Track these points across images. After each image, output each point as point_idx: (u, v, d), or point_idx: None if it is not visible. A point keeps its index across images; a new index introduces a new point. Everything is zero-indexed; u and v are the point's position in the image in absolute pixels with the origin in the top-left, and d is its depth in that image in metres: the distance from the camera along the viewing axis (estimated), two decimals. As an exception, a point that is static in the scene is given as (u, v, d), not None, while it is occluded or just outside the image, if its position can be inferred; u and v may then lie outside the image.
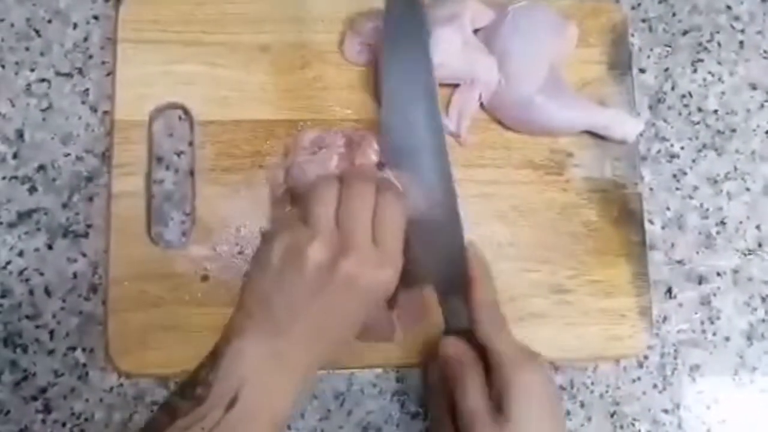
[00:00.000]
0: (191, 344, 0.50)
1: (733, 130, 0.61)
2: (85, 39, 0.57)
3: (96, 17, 0.58)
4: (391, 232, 0.43)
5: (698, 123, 0.61)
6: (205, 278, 0.53)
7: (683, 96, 0.61)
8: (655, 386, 0.56)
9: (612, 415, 0.55)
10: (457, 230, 0.48)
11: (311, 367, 0.43)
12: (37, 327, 0.53)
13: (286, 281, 0.41)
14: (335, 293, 0.41)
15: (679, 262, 0.58)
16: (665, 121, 0.60)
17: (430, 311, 0.51)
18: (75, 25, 0.57)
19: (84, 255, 0.54)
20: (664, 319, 0.57)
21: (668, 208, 0.59)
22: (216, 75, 0.55)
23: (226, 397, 0.39)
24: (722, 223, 0.59)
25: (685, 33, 0.62)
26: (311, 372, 0.44)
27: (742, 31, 0.62)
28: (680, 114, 0.61)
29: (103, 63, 0.57)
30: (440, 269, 0.49)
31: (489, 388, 0.45)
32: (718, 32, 0.62)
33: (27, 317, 0.53)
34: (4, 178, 0.55)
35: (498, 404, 0.44)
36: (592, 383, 0.56)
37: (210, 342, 0.51)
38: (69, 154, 0.55)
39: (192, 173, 0.55)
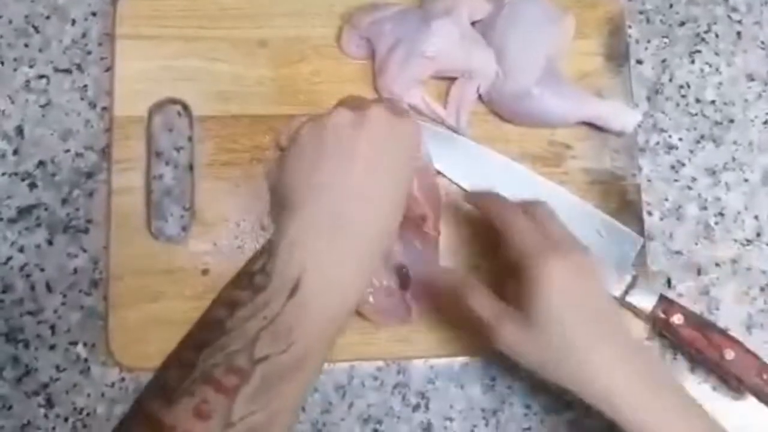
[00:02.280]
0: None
1: (731, 121, 0.61)
2: (84, 35, 0.57)
3: (94, 13, 0.58)
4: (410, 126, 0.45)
5: (696, 114, 0.61)
6: (205, 272, 0.53)
7: (681, 87, 0.61)
8: (654, 376, 0.56)
9: (612, 406, 0.55)
10: None
11: (372, 246, 0.41)
12: (39, 322, 0.53)
13: (325, 154, 0.41)
14: (372, 143, 0.41)
15: (678, 252, 0.58)
16: (663, 112, 0.60)
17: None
18: (73, 22, 0.58)
19: (84, 250, 0.54)
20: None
21: (667, 199, 0.59)
22: (214, 70, 0.56)
23: (287, 285, 0.38)
24: (721, 213, 0.59)
25: (682, 24, 0.62)
26: (372, 254, 0.42)
27: (740, 21, 0.62)
28: (678, 105, 0.61)
29: (102, 59, 0.57)
30: None
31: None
32: (715, 23, 0.62)
33: (28, 313, 0.53)
34: (4, 174, 0.55)
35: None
36: (592, 374, 0.56)
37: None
38: (68, 150, 0.55)
39: (191, 168, 0.55)
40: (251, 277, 0.39)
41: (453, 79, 0.56)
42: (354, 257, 0.40)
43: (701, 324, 0.53)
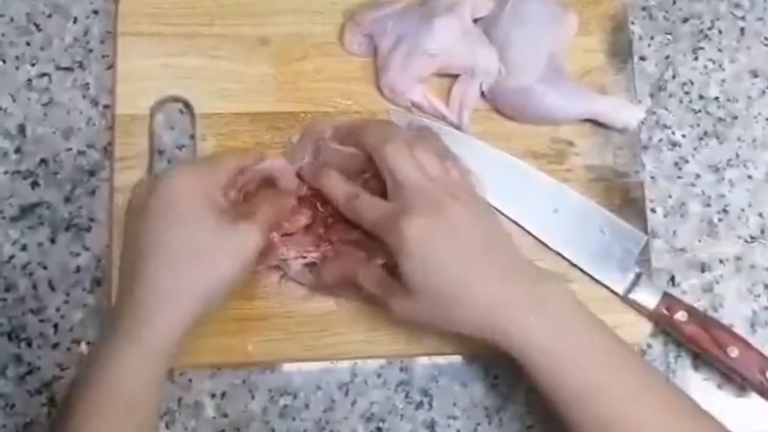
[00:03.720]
0: (193, 336, 0.50)
1: (735, 118, 0.60)
2: (85, 33, 0.57)
3: (96, 11, 0.58)
4: None
5: (699, 111, 0.60)
6: (207, 270, 0.53)
7: (684, 84, 0.61)
8: (658, 374, 0.56)
9: (615, 403, 0.55)
10: None
11: (138, 293, 0.44)
12: (41, 321, 0.53)
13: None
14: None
15: (682, 249, 0.58)
16: (666, 109, 0.60)
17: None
18: (75, 20, 0.58)
19: (87, 248, 0.54)
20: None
21: (670, 196, 0.59)
22: (216, 67, 0.56)
23: None
24: (724, 210, 0.59)
25: (685, 20, 0.62)
26: (144, 303, 0.44)
27: (743, 18, 0.62)
28: (681, 102, 0.60)
29: (104, 57, 0.57)
30: None
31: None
32: (718, 19, 0.62)
33: (31, 311, 0.53)
34: (6, 172, 0.55)
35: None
36: (596, 372, 0.56)
37: (211, 333, 0.51)
38: (71, 149, 0.55)
39: (193, 166, 0.55)
40: None
41: (455, 77, 0.56)
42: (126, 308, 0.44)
43: (705, 321, 0.53)
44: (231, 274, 0.45)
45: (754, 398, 0.54)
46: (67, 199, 0.55)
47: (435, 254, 0.44)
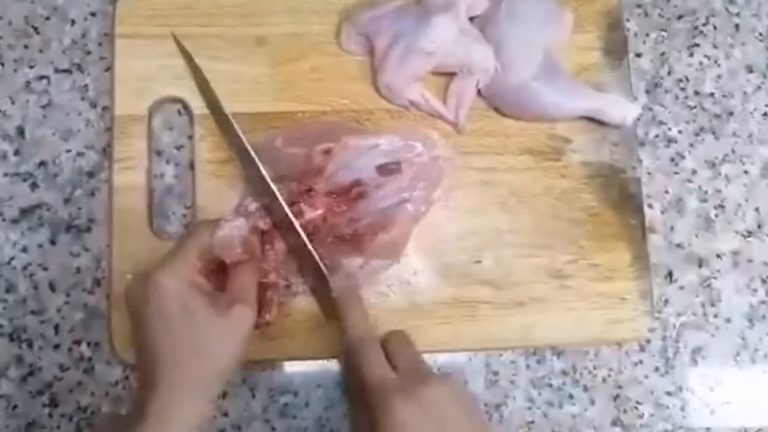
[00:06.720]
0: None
1: (731, 113, 0.61)
2: (83, 35, 0.58)
3: (93, 13, 0.58)
4: None
5: (695, 107, 0.61)
6: (207, 270, 0.53)
7: (680, 80, 0.61)
8: (657, 369, 0.56)
9: (615, 399, 0.55)
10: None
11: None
12: (42, 322, 0.53)
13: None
14: None
15: (679, 245, 0.58)
16: (662, 105, 0.60)
17: None
18: (73, 22, 0.58)
19: (87, 250, 0.54)
20: (665, 302, 0.57)
21: (667, 192, 0.59)
22: (213, 68, 0.56)
23: None
24: (721, 205, 0.59)
25: (680, 17, 0.62)
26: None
27: (738, 14, 0.63)
28: (677, 98, 0.61)
29: (102, 59, 0.57)
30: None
31: None
32: (713, 15, 0.62)
33: (32, 312, 0.53)
34: (5, 174, 0.55)
35: None
36: (595, 367, 0.56)
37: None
38: (70, 150, 0.56)
39: (192, 166, 0.55)
40: None
41: (452, 75, 0.57)
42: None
43: None
44: (235, 353, 0.45)
45: (751, 394, 0.54)
46: (67, 201, 0.55)
47: None
